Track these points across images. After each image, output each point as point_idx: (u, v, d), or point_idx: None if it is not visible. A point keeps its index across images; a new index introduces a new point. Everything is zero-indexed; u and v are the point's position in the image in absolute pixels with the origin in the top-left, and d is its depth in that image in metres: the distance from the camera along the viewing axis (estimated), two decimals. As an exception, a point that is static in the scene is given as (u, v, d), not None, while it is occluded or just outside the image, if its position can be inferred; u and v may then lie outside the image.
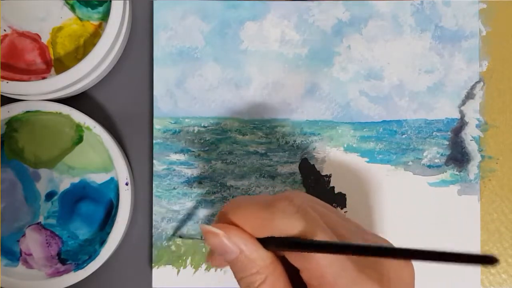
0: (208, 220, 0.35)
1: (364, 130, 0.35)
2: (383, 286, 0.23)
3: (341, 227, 0.25)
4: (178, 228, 0.35)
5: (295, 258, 0.24)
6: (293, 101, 0.35)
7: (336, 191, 0.35)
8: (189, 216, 0.35)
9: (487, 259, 0.16)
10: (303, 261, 0.23)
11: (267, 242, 0.24)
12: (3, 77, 0.33)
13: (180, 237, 0.34)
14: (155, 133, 0.35)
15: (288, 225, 0.23)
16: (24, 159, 0.34)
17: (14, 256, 0.34)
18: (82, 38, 0.34)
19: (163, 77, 0.35)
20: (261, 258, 0.24)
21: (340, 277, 0.23)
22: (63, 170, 0.34)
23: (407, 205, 0.35)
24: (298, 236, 0.23)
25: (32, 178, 0.34)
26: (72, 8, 0.34)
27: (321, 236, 0.23)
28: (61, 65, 0.34)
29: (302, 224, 0.23)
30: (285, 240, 0.23)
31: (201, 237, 0.32)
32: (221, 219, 0.25)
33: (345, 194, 0.35)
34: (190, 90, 0.35)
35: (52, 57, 0.34)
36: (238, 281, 0.25)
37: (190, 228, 0.35)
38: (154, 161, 0.35)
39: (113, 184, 0.34)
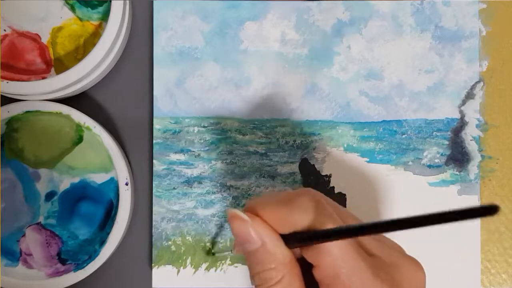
0: (208, 221, 0.35)
1: (364, 130, 0.35)
2: None
3: (352, 222, 0.26)
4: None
5: (312, 254, 0.24)
6: (293, 101, 0.35)
7: (336, 191, 0.35)
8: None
9: (489, 209, 0.17)
10: (319, 257, 0.23)
11: (288, 240, 0.24)
12: (3, 77, 0.33)
13: (214, 254, 0.34)
14: (155, 133, 0.35)
15: (306, 219, 0.23)
16: (24, 159, 0.34)
17: (14, 256, 0.34)
18: (82, 38, 0.34)
19: (163, 77, 0.35)
20: (282, 253, 0.24)
21: (354, 277, 0.23)
22: (63, 170, 0.34)
23: (407, 205, 0.35)
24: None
25: (32, 178, 0.34)
26: (72, 8, 0.34)
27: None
28: (61, 65, 0.34)
29: (316, 217, 0.23)
30: (305, 234, 0.23)
31: (231, 250, 0.33)
32: (247, 211, 0.25)
33: (345, 194, 0.35)
34: (190, 90, 0.35)
35: (52, 57, 0.34)
36: (253, 276, 0.24)
37: (190, 228, 0.35)
38: (154, 161, 0.35)
39: (113, 184, 0.34)
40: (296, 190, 0.26)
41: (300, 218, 0.23)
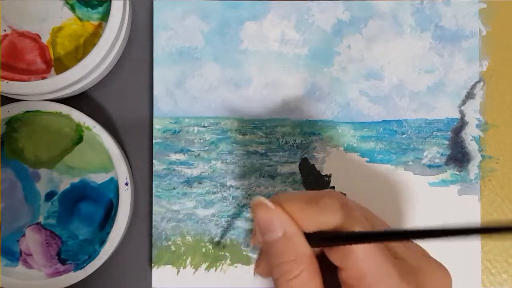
0: (208, 221, 0.35)
1: (364, 130, 0.35)
2: None
3: (379, 225, 0.26)
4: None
5: (337, 256, 0.23)
6: (293, 101, 0.35)
7: (336, 191, 0.35)
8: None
9: None
10: (345, 260, 0.23)
11: (311, 238, 0.24)
12: (3, 77, 0.33)
13: (223, 246, 0.34)
14: (155, 133, 0.35)
15: (332, 221, 0.23)
16: (24, 159, 0.34)
17: (14, 256, 0.34)
18: (82, 38, 0.34)
19: (163, 77, 0.35)
20: (303, 246, 0.23)
21: (381, 281, 0.22)
22: (63, 170, 0.34)
23: (407, 205, 0.35)
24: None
25: (32, 178, 0.34)
26: (72, 8, 0.34)
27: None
28: (61, 65, 0.34)
29: (345, 220, 0.23)
30: (329, 234, 0.23)
31: (247, 245, 0.33)
32: (273, 202, 0.25)
33: (345, 194, 0.35)
34: (190, 90, 0.35)
35: (52, 57, 0.34)
36: (272, 268, 0.24)
37: (190, 228, 0.35)
38: (154, 161, 0.35)
39: (113, 184, 0.34)
40: (322, 191, 0.26)
41: (327, 219, 0.23)
